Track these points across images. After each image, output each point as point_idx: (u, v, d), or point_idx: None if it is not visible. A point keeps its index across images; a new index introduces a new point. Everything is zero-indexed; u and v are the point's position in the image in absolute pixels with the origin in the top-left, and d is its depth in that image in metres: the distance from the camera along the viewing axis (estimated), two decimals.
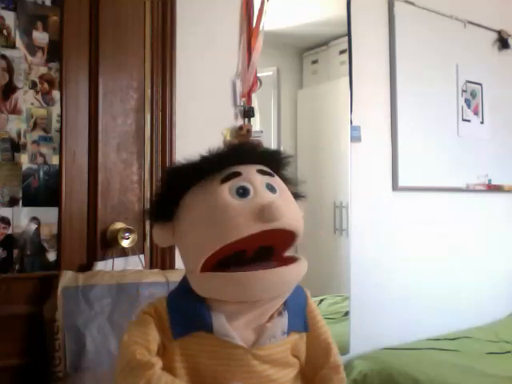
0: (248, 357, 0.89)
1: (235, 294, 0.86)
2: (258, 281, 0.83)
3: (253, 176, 0.88)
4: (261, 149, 0.99)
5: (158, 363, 0.86)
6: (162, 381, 0.84)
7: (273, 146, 2.00)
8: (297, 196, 0.98)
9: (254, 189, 0.86)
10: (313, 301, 1.02)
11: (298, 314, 0.97)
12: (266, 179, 0.90)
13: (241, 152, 0.93)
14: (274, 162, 0.96)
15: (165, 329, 0.90)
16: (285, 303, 0.93)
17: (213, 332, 0.87)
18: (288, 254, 0.96)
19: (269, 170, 0.93)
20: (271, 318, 0.92)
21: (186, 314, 0.90)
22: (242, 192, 0.86)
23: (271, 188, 0.89)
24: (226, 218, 0.83)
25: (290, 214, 0.87)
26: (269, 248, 0.92)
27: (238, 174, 0.88)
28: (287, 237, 0.90)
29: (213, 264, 0.86)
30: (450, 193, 2.51)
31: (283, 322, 0.92)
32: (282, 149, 1.02)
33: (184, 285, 0.92)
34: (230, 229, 0.83)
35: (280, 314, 0.92)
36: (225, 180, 0.87)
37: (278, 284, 0.86)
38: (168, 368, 0.88)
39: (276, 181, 0.92)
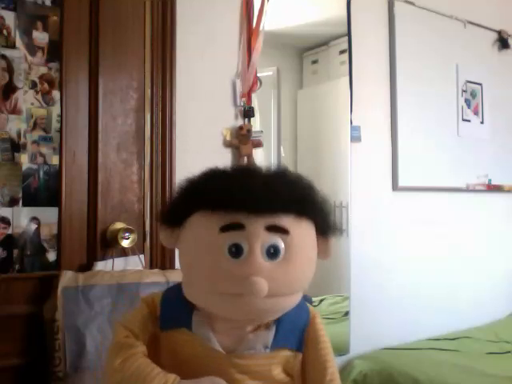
0: (226, 362, 0.87)
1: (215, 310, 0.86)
2: (235, 304, 0.81)
3: (256, 234, 0.79)
4: (291, 193, 0.84)
5: (141, 347, 0.88)
6: (138, 361, 0.85)
7: (273, 146, 2.01)
8: (326, 232, 0.90)
9: (249, 250, 0.79)
10: (320, 321, 0.96)
11: (293, 331, 0.93)
12: (273, 239, 0.80)
13: (263, 195, 0.81)
14: (304, 207, 0.86)
15: (156, 320, 0.92)
16: (277, 318, 0.90)
17: (193, 331, 0.89)
18: None
19: (283, 226, 0.81)
20: (258, 328, 0.90)
21: (173, 309, 0.92)
22: (235, 251, 0.79)
23: (273, 252, 0.80)
24: (207, 272, 0.82)
25: (280, 285, 0.81)
26: None
27: (239, 227, 0.80)
28: None
29: None
30: (450, 193, 2.51)
31: (267, 336, 0.89)
32: (316, 192, 0.89)
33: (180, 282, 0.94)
34: (208, 284, 0.82)
35: (268, 327, 0.90)
36: (224, 229, 0.80)
37: (253, 311, 0.83)
38: (154, 361, 0.88)
39: (288, 240, 0.82)
